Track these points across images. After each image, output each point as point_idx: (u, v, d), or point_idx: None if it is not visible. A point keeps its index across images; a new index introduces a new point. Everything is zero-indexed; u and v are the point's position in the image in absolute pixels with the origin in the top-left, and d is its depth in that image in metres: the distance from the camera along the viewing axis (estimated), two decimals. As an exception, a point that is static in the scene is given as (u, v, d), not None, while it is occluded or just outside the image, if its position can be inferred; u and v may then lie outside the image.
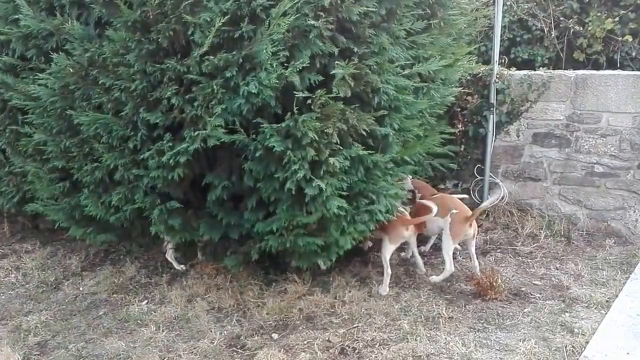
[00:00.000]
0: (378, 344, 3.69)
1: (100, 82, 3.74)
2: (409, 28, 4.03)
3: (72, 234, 4.54)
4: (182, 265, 4.91)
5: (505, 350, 3.59)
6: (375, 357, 3.55)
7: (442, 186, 5.85)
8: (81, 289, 4.70)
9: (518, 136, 5.79)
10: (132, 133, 3.77)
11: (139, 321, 4.10)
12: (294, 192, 3.68)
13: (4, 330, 4.07)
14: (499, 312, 4.09)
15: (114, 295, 4.52)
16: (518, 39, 7.57)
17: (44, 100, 3.96)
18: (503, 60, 5.86)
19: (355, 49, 3.65)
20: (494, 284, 4.25)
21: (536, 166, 5.79)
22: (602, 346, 3.59)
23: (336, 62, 3.56)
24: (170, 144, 3.66)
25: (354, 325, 3.92)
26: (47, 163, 4.24)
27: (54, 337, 3.96)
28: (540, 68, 6.33)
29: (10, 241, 5.67)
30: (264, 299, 4.32)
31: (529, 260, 5.01)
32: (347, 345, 3.69)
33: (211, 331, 3.93)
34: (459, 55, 4.78)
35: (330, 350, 3.65)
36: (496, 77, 5.58)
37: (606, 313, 4.02)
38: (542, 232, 5.46)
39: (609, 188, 5.50)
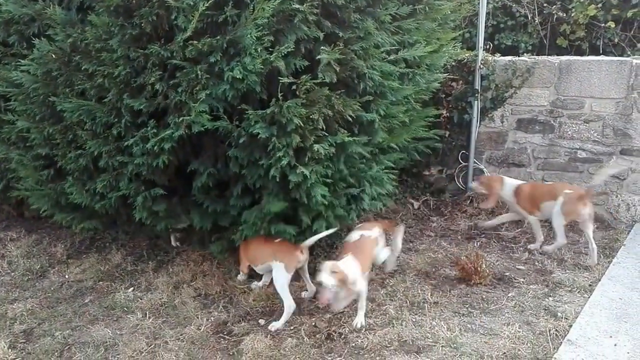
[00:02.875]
0: (364, 329, 3.72)
1: (83, 68, 3.69)
2: (395, 13, 4.03)
3: (57, 220, 4.50)
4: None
5: (490, 335, 3.64)
6: (362, 342, 3.59)
7: (426, 172, 5.88)
8: (67, 276, 4.68)
9: (502, 122, 5.83)
10: (116, 120, 3.73)
11: (125, 308, 4.09)
12: (278, 179, 3.67)
13: (-10, 318, 4.05)
14: (484, 296, 4.14)
15: (100, 282, 4.51)
16: (502, 25, 7.60)
17: (27, 87, 3.90)
18: (488, 47, 5.88)
19: (341, 34, 3.64)
20: (479, 269, 4.30)
21: (520, 152, 5.84)
22: (586, 330, 3.65)
23: (321, 47, 3.55)
24: (155, 131, 3.63)
25: (340, 311, 3.94)
26: (30, 150, 4.19)
27: (39, 324, 3.94)
28: (524, 54, 6.37)
29: (17, 224, 5.64)
30: (250, 286, 4.33)
31: (512, 245, 5.07)
32: (333, 331, 3.72)
33: (198, 317, 3.94)
34: (444, 41, 4.79)
35: (317, 336, 3.68)
36: (481, 63, 5.60)
37: (589, 297, 4.08)
38: (525, 217, 5.52)
39: (592, 173, 5.57)
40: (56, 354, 3.58)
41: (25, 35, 4.10)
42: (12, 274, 4.81)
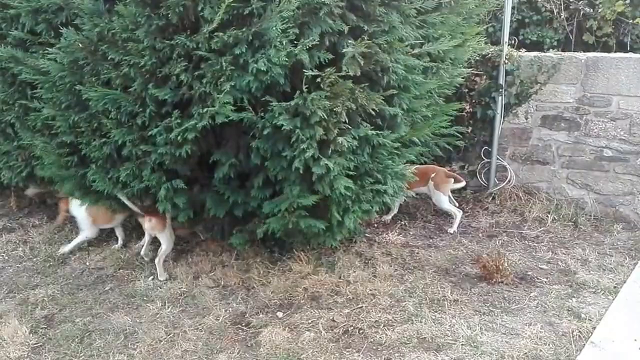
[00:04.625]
0: (382, 325, 3.71)
1: (109, 58, 3.70)
2: (420, 7, 3.98)
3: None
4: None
5: (511, 334, 3.60)
6: (380, 337, 3.58)
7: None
8: (87, 263, 4.73)
9: (526, 118, 5.75)
10: (141, 109, 3.74)
11: (145, 297, 4.13)
12: (301, 171, 3.67)
13: (12, 303, 4.10)
14: (505, 295, 4.10)
15: (120, 270, 4.56)
16: (527, 20, 7.51)
17: (53, 75, 3.91)
18: (513, 41, 5.79)
19: (365, 27, 3.61)
20: (500, 267, 4.26)
21: (544, 149, 5.75)
22: (610, 332, 3.59)
23: (346, 40, 3.52)
24: (179, 121, 3.63)
25: (359, 306, 3.95)
26: (55, 138, 4.22)
27: (60, 310, 3.99)
28: (550, 50, 6.27)
29: (18, 215, 5.70)
30: (269, 278, 4.35)
31: (535, 244, 5.01)
32: (351, 325, 3.71)
33: (216, 308, 3.96)
34: (469, 35, 4.72)
35: (335, 330, 3.67)
36: (505, 58, 5.52)
37: (614, 299, 4.02)
38: (549, 216, 5.46)
39: (618, 173, 5.47)
40: (76, 340, 3.61)
41: (53, 24, 4.12)
42: (34, 259, 4.88)
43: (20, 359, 3.42)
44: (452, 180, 5.27)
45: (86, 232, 4.89)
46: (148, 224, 4.48)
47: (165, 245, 4.46)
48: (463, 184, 5.46)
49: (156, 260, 4.44)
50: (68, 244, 4.90)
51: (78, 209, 4.81)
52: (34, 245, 5.11)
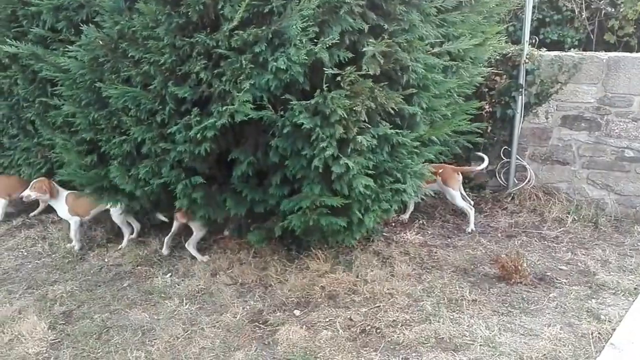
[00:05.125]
0: (400, 324, 3.69)
1: (129, 55, 3.72)
2: (440, 5, 3.95)
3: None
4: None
5: (530, 335, 3.56)
6: (398, 337, 3.56)
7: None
8: (106, 260, 4.77)
9: (547, 118, 5.69)
10: (160, 107, 3.76)
11: (162, 294, 4.15)
12: (321, 170, 3.66)
13: (31, 298, 4.15)
14: (524, 296, 4.05)
15: (139, 267, 4.58)
16: (547, 19, 7.43)
17: (74, 72, 3.95)
18: (533, 41, 5.72)
19: (386, 26, 3.58)
20: (519, 267, 4.21)
21: (565, 149, 5.69)
22: (630, 334, 3.54)
23: (366, 39, 3.50)
24: (198, 119, 3.65)
25: (376, 305, 3.93)
26: (75, 135, 4.26)
27: (79, 307, 4.03)
28: (571, 49, 6.19)
29: (40, 212, 5.74)
30: (286, 276, 4.35)
31: (555, 245, 4.95)
32: (368, 325, 3.70)
33: (234, 305, 3.96)
34: (489, 34, 4.67)
35: (352, 329, 3.66)
36: (526, 58, 5.47)
37: (634, 300, 3.96)
38: (569, 216, 5.39)
39: (639, 173, 5.39)
40: (94, 336, 3.64)
41: (74, 22, 4.17)
42: (53, 255, 4.93)
43: (39, 355, 3.45)
44: (461, 176, 5.23)
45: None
46: (179, 212, 4.56)
47: (197, 232, 4.60)
48: (478, 167, 5.41)
49: (188, 246, 4.62)
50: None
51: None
52: (52, 242, 5.16)
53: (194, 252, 4.68)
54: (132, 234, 5.09)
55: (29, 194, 4.83)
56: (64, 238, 5.18)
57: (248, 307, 3.97)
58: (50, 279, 4.47)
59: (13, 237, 5.33)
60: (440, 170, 5.14)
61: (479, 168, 5.40)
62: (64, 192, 4.97)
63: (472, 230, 5.18)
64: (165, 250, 4.80)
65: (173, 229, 4.74)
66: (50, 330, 3.69)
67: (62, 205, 4.96)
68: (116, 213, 4.93)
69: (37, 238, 5.24)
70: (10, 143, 5.32)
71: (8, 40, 4.50)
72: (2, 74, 4.96)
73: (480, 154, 5.49)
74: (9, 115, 5.17)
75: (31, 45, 4.44)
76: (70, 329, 3.74)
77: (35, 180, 4.89)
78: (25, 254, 4.98)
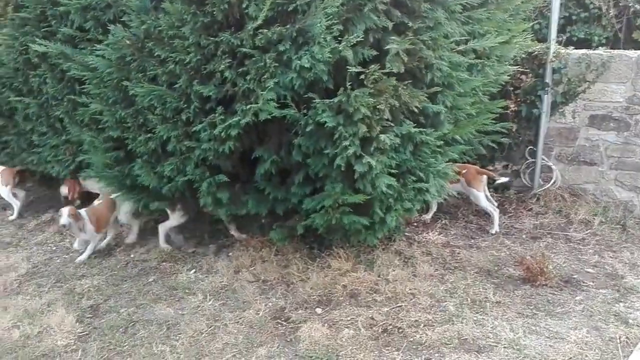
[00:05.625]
0: (423, 325, 3.67)
1: (155, 54, 3.78)
2: (466, 2, 3.92)
3: (127, 199, 4.68)
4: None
5: (556, 338, 3.51)
6: (420, 337, 3.54)
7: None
8: (132, 256, 4.85)
9: (573, 118, 5.59)
10: (186, 105, 3.80)
11: (187, 289, 4.20)
12: (343, 169, 3.66)
13: (59, 292, 4.24)
14: (549, 298, 4.00)
15: (163, 263, 4.65)
16: (574, 17, 7.31)
17: (101, 71, 4.03)
18: (561, 39, 5.63)
19: (410, 24, 3.57)
20: (545, 269, 4.16)
21: (592, 150, 5.59)
22: (658, 338, 3.46)
23: (390, 37, 3.49)
24: (222, 117, 3.68)
25: (398, 305, 3.91)
26: (102, 132, 4.34)
27: (106, 301, 4.10)
28: (599, 48, 6.08)
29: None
30: (308, 274, 4.35)
31: (581, 247, 4.86)
32: (390, 324, 3.69)
33: (256, 302, 3.99)
34: (515, 32, 4.60)
35: (374, 328, 3.65)
36: (553, 56, 5.38)
37: (663, 304, 3.88)
38: (596, 218, 5.30)
39: (667, 174, 5.27)
40: (121, 329, 3.71)
41: (101, 21, 4.24)
42: (80, 251, 5.01)
43: (68, 347, 3.53)
44: (485, 176, 5.17)
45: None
46: None
47: (172, 220, 4.79)
48: (503, 179, 5.35)
49: (160, 227, 4.85)
50: None
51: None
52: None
53: (161, 236, 4.85)
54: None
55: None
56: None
57: (270, 304, 3.99)
58: (77, 273, 4.57)
59: (42, 232, 5.46)
60: (464, 171, 5.09)
61: (501, 180, 5.33)
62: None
63: (496, 231, 5.12)
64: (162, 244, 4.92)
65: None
66: (78, 323, 3.77)
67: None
68: (124, 212, 5.01)
69: (65, 234, 5.34)
70: (40, 140, 5.43)
71: (37, 39, 4.62)
72: (32, 72, 5.09)
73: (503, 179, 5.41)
74: (38, 113, 5.28)
75: (60, 44, 4.53)
76: (97, 322, 3.81)
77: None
78: (54, 248, 5.09)
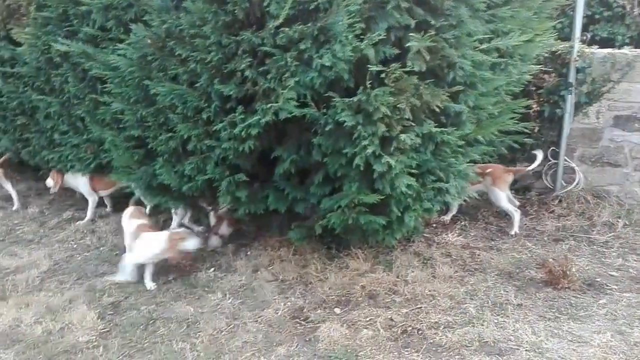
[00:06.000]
0: (442, 326, 3.63)
1: (176, 54, 3.78)
2: (489, 0, 3.87)
3: (148, 202, 4.69)
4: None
5: (579, 342, 3.44)
6: (440, 339, 3.50)
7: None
8: (152, 254, 4.86)
9: (597, 118, 5.50)
10: (206, 104, 3.81)
11: (206, 288, 4.21)
12: (362, 169, 3.64)
13: (80, 289, 4.28)
14: (572, 302, 3.93)
15: (183, 261, 4.64)
16: (597, 16, 7.21)
17: (123, 70, 4.04)
18: (585, 38, 5.54)
19: (433, 22, 3.53)
20: (567, 272, 4.09)
21: (616, 151, 5.49)
22: (685, 343, 3.38)
23: (413, 35, 3.46)
24: (243, 116, 3.68)
25: (417, 306, 3.88)
26: (123, 131, 4.37)
27: (126, 298, 4.13)
28: (623, 47, 5.97)
29: (85, 205, 5.89)
30: (326, 274, 4.34)
31: (604, 250, 4.78)
32: (410, 325, 3.66)
33: (275, 301, 3.99)
34: (539, 31, 4.53)
35: (393, 329, 3.63)
36: (577, 55, 5.29)
37: (690, 309, 3.79)
38: (619, 221, 5.20)
39: (694, 176, 5.16)
40: (141, 327, 3.72)
41: (123, 20, 4.26)
42: (101, 248, 5.08)
43: (89, 343, 3.55)
44: (511, 176, 5.10)
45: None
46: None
47: None
48: (531, 166, 5.29)
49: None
50: None
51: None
52: (101, 235, 5.32)
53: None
54: None
55: None
56: (112, 231, 5.32)
57: (289, 303, 3.98)
58: (98, 270, 4.60)
59: (63, 230, 5.52)
60: (489, 170, 5.03)
61: (532, 167, 5.26)
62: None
63: (515, 232, 5.06)
64: None
65: None
66: (99, 320, 3.79)
67: None
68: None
69: (85, 231, 5.41)
70: (61, 139, 5.47)
71: (60, 39, 4.66)
72: (54, 72, 5.12)
73: (535, 151, 5.32)
74: (60, 112, 5.31)
75: (82, 43, 4.55)
76: (118, 319, 3.83)
77: None
78: (75, 246, 5.14)
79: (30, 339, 3.59)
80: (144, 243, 4.21)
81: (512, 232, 5.06)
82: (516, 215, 5.10)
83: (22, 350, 3.48)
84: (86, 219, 5.72)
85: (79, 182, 5.74)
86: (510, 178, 5.10)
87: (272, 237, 4.89)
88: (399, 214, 3.88)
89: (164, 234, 4.24)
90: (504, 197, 5.09)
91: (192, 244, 4.24)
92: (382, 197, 3.76)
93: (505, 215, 5.35)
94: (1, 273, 4.59)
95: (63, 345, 3.52)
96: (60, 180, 5.77)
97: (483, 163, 4.83)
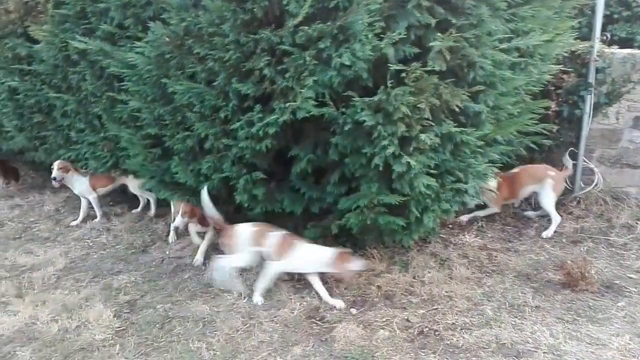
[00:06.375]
0: (460, 328, 3.60)
1: (194, 52, 3.77)
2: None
3: (161, 197, 4.69)
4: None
5: (597, 345, 3.41)
6: (457, 340, 3.48)
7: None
8: (167, 252, 4.88)
9: (617, 119, 5.43)
10: (224, 103, 3.79)
11: (221, 287, 4.19)
12: (381, 169, 3.61)
13: (97, 287, 4.29)
14: (590, 304, 3.89)
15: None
16: (616, 16, 7.11)
17: (140, 69, 4.04)
18: (605, 38, 5.46)
19: (453, 21, 3.50)
20: (586, 274, 4.04)
21: (636, 152, 5.42)
22: None
23: (433, 34, 3.43)
24: (260, 115, 3.67)
25: (434, 307, 3.86)
26: (140, 130, 4.36)
27: (142, 296, 4.14)
28: (642, 47, 5.90)
29: (101, 204, 5.93)
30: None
31: (623, 252, 4.72)
32: (426, 327, 3.64)
33: (291, 301, 3.98)
34: (560, 30, 4.47)
35: (410, 330, 3.61)
36: (596, 55, 5.23)
37: None
38: (638, 223, 5.14)
39: None
40: (157, 325, 3.73)
41: (141, 18, 4.24)
42: (117, 247, 5.10)
43: (105, 341, 3.56)
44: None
45: None
46: None
47: None
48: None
49: None
50: None
51: None
52: (117, 234, 5.34)
53: None
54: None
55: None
56: (127, 230, 5.34)
57: (305, 303, 3.97)
58: (114, 269, 4.62)
59: (79, 228, 5.55)
60: (552, 174, 5.09)
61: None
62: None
63: (547, 235, 5.02)
64: None
65: None
66: (115, 318, 3.80)
67: None
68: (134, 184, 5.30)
69: (101, 230, 5.43)
70: (78, 137, 5.48)
71: (77, 36, 4.65)
72: (71, 69, 5.12)
73: (567, 158, 5.36)
74: (76, 109, 5.31)
75: (99, 41, 4.55)
76: (134, 317, 3.84)
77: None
78: (91, 244, 5.16)
79: (46, 337, 3.62)
80: (304, 254, 4.01)
81: (546, 234, 5.01)
82: (557, 220, 5.08)
83: (38, 348, 3.50)
84: (98, 216, 5.74)
85: (80, 181, 5.76)
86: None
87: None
88: (418, 215, 3.85)
89: (330, 251, 4.00)
90: (554, 201, 5.09)
91: (357, 265, 4.06)
92: (403, 199, 3.72)
93: (522, 217, 5.31)
94: (17, 271, 4.63)
95: (79, 343, 3.54)
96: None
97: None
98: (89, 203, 5.78)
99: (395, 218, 3.86)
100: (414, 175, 3.58)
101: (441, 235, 5.01)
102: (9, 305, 4.01)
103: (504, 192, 5.18)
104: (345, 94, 3.57)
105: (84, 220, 5.73)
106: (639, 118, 5.35)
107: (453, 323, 3.66)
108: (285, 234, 4.07)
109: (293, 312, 3.84)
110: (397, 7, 3.39)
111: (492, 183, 4.96)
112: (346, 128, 3.58)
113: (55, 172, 5.57)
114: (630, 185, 5.47)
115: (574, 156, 5.53)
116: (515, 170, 5.20)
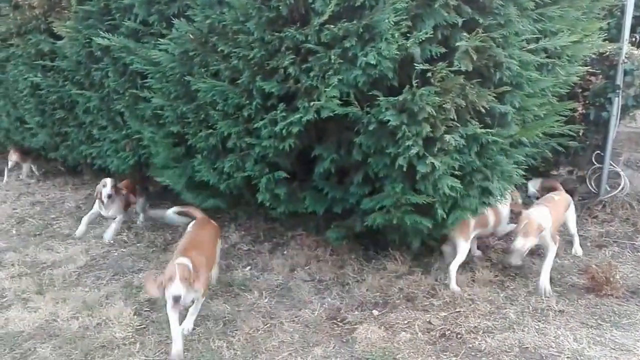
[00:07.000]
0: (482, 331, 3.55)
1: (219, 50, 3.76)
2: (539, -1, 3.76)
3: (184, 198, 4.68)
4: None
5: (622, 350, 3.34)
6: (479, 344, 3.43)
7: (554, 172, 5.50)
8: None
9: (645, 122, 5.33)
10: (247, 102, 3.78)
11: (242, 286, 4.20)
12: (404, 169, 3.57)
13: (117, 285, 4.30)
14: (615, 309, 3.82)
15: (219, 260, 4.65)
16: (644, 17, 6.93)
17: (164, 66, 4.04)
18: (633, 39, 5.36)
19: (481, 20, 3.44)
20: (611, 279, 3.97)
21: (663, 156, 5.31)
22: None
23: (460, 33, 3.38)
24: (284, 114, 3.65)
25: (456, 310, 3.81)
26: (163, 128, 4.36)
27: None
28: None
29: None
30: (363, 275, 4.30)
31: (650, 257, 4.63)
32: (448, 329, 3.59)
33: (312, 302, 3.96)
34: (588, 31, 4.39)
35: (431, 333, 3.56)
36: (625, 57, 5.12)
37: None
38: (665, 228, 5.03)
39: None
40: (178, 324, 3.72)
41: (165, 15, 4.22)
42: (138, 245, 5.11)
43: (126, 339, 3.56)
44: None
45: None
46: None
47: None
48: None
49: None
50: None
51: None
52: (137, 232, 5.37)
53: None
54: None
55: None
56: (148, 228, 5.35)
57: (326, 304, 3.95)
58: (135, 267, 4.63)
59: (100, 226, 5.56)
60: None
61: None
62: None
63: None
64: None
65: None
66: (135, 316, 3.80)
67: None
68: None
69: (122, 228, 5.44)
70: (100, 134, 5.51)
71: (101, 32, 4.63)
72: (94, 66, 5.13)
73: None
74: (99, 106, 5.33)
75: (123, 38, 4.54)
76: (154, 315, 3.84)
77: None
78: (112, 242, 5.17)
79: (67, 334, 3.62)
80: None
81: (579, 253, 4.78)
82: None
83: (58, 345, 3.51)
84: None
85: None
86: None
87: (309, 236, 4.86)
88: (445, 216, 3.80)
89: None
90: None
91: None
92: (430, 200, 3.68)
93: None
94: (38, 267, 4.65)
95: (100, 340, 3.54)
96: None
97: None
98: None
99: (421, 218, 3.81)
100: (438, 176, 3.54)
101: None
102: (29, 302, 4.03)
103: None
104: (370, 93, 3.54)
105: (105, 219, 5.73)
106: (667, 121, 5.25)
107: (475, 326, 3.61)
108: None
109: (314, 313, 3.81)
110: (424, 6, 3.35)
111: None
112: (370, 128, 3.55)
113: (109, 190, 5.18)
114: (657, 189, 5.38)
115: (600, 159, 5.44)
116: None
